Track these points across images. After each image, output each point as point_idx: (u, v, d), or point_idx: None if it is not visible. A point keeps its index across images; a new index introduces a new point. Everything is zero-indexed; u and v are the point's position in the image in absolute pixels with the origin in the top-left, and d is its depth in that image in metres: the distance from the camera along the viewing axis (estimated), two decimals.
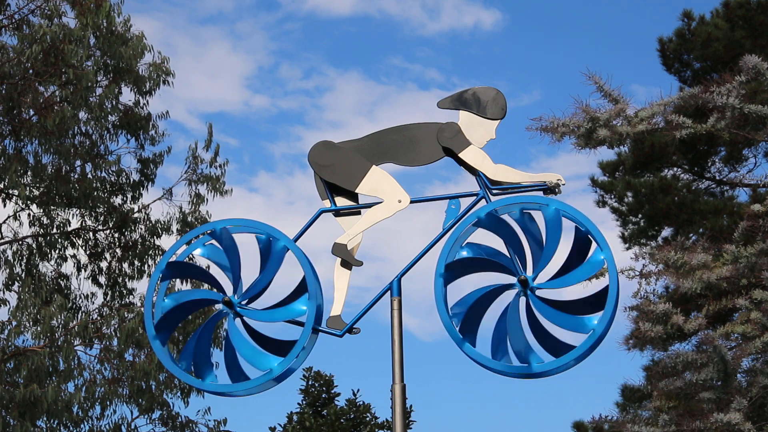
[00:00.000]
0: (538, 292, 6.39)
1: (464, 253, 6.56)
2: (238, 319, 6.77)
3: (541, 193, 6.61)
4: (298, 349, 6.54)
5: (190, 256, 7.11)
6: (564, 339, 6.38)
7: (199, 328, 6.86)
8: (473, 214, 6.55)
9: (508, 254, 6.47)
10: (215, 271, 7.07)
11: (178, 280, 15.75)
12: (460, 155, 6.75)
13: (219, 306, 6.82)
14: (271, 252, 6.72)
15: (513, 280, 6.39)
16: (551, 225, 6.36)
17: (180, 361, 6.76)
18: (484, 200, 6.69)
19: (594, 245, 6.37)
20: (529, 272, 6.40)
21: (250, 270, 6.83)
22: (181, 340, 16.14)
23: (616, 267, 6.33)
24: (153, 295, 6.84)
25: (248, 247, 6.84)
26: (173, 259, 6.98)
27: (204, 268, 7.47)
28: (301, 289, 6.75)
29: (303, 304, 6.64)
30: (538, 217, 6.51)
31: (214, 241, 6.92)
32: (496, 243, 6.57)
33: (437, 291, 6.40)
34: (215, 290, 6.93)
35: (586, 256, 6.40)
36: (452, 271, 6.46)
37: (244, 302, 6.75)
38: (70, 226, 18.07)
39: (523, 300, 6.40)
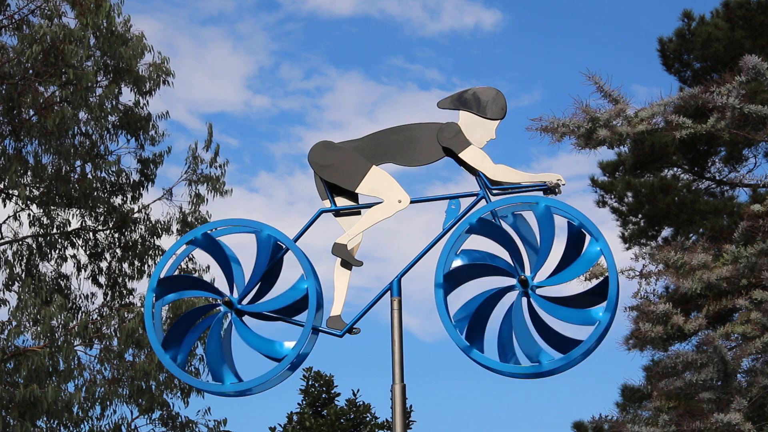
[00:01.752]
0: (539, 291, 6.39)
1: (459, 262, 6.54)
2: (239, 317, 6.78)
3: (540, 193, 6.61)
4: (307, 331, 6.54)
5: (190, 256, 7.12)
6: (569, 335, 6.39)
7: (206, 335, 6.86)
8: (465, 221, 6.55)
9: (504, 256, 6.47)
10: (214, 273, 7.08)
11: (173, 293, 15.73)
12: (460, 155, 6.75)
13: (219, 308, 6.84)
14: (257, 244, 6.74)
15: (513, 281, 6.40)
16: (543, 222, 6.37)
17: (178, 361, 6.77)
18: (484, 200, 6.69)
19: (588, 238, 6.37)
20: (528, 272, 6.40)
21: (247, 271, 6.84)
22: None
23: (612, 256, 6.33)
24: (151, 318, 6.80)
25: (248, 248, 6.87)
26: (165, 269, 6.95)
27: (196, 276, 7.47)
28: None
29: (302, 284, 6.65)
30: (530, 216, 6.52)
31: (197, 251, 6.94)
32: (491, 247, 6.58)
33: (438, 302, 6.39)
34: (212, 297, 6.94)
35: (581, 250, 6.40)
36: (451, 280, 6.46)
37: (243, 300, 6.75)
38: (70, 226, 18.08)
39: (525, 300, 6.40)
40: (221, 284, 6.94)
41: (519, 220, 6.54)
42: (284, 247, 6.77)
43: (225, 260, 6.80)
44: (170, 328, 6.79)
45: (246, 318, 6.82)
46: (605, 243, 6.32)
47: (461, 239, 6.56)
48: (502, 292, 6.42)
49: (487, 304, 6.39)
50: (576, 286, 6.67)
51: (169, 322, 14.32)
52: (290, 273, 6.80)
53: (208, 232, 6.89)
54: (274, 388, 6.73)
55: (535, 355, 6.31)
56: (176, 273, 7.16)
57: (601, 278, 6.38)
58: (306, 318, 6.60)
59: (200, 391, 16.17)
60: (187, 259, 16.30)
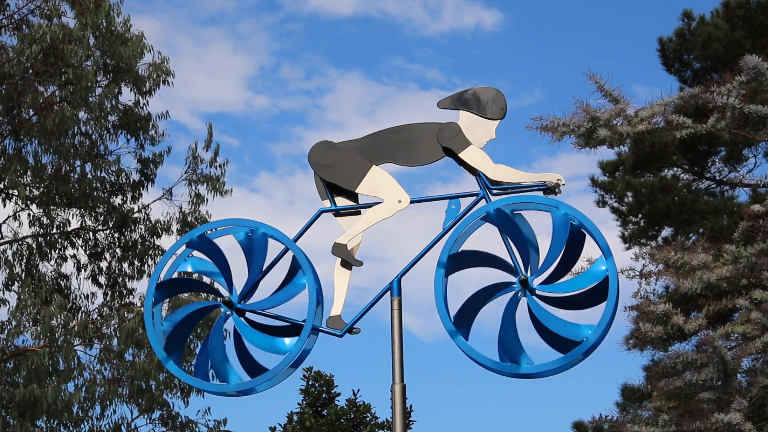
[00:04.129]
0: (537, 293, 6.39)
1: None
2: (239, 317, 6.78)
3: (541, 193, 6.61)
4: (308, 328, 6.54)
5: (178, 272, 7.11)
6: (567, 336, 6.36)
7: (208, 336, 6.85)
8: (482, 209, 6.53)
9: (506, 256, 6.46)
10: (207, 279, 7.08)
11: (172, 296, 15.76)
12: (460, 155, 6.75)
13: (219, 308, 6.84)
14: (252, 243, 6.73)
15: (513, 279, 6.39)
16: (558, 227, 6.35)
17: (196, 374, 6.77)
18: (484, 200, 6.68)
19: (597, 257, 6.35)
20: (530, 273, 6.39)
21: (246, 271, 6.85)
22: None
23: (617, 278, 6.29)
24: (151, 319, 6.81)
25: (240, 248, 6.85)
26: (161, 278, 6.96)
27: (194, 278, 7.47)
28: (294, 270, 6.75)
29: (301, 279, 6.66)
30: (529, 217, 6.52)
31: (195, 253, 6.92)
32: (492, 248, 6.58)
33: (437, 281, 6.39)
34: (212, 296, 6.94)
35: (579, 251, 6.39)
36: (455, 261, 6.45)
37: (243, 299, 6.75)
38: (70, 226, 18.08)
39: (523, 300, 6.39)
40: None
41: (518, 219, 6.53)
42: (284, 246, 6.77)
43: (223, 260, 6.80)
44: (168, 335, 6.77)
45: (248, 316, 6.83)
46: (613, 263, 6.28)
47: (475, 225, 6.55)
48: (499, 286, 6.41)
49: (481, 294, 6.39)
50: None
51: None
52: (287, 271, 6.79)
53: (206, 233, 6.88)
54: (273, 388, 6.73)
55: (514, 356, 6.30)
56: (175, 276, 7.15)
57: (601, 280, 6.34)
58: (306, 314, 6.60)
59: (200, 391, 16.17)
60: (175, 274, 16.25)
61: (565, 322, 6.32)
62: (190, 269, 6.98)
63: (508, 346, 6.33)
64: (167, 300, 7.13)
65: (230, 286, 6.80)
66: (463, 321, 6.40)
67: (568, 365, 6.28)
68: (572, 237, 6.38)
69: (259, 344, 6.69)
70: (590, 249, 6.55)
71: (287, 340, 6.66)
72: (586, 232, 6.38)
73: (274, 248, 6.80)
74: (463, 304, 6.40)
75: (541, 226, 6.50)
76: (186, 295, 15.11)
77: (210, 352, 6.78)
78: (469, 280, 6.66)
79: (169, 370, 6.76)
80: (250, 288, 6.77)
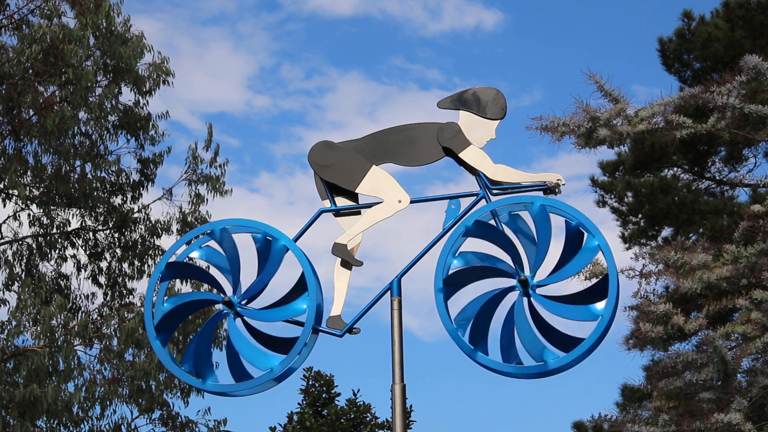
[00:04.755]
0: (539, 290, 6.39)
1: (457, 264, 6.53)
2: (238, 320, 6.76)
3: (540, 193, 6.61)
4: (299, 348, 6.54)
5: (189, 257, 7.11)
6: (571, 333, 6.39)
7: (200, 329, 6.85)
8: (461, 225, 6.53)
9: (503, 257, 6.46)
10: (215, 272, 7.06)
11: (177, 281, 15.78)
12: (460, 155, 6.75)
13: (219, 306, 6.83)
14: (270, 251, 6.72)
15: (513, 282, 6.39)
16: (539, 221, 6.36)
17: (183, 363, 6.76)
18: (484, 200, 6.68)
19: (586, 236, 6.37)
20: (527, 272, 6.39)
21: (249, 270, 6.84)
22: (181, 340, 16.14)
23: (611, 251, 6.32)
24: (153, 295, 6.84)
25: (247, 247, 6.84)
26: (173, 259, 6.98)
27: (204, 268, 7.45)
28: (300, 288, 6.73)
29: (303, 303, 6.64)
30: (527, 216, 6.52)
31: (212, 243, 6.91)
32: (490, 249, 6.57)
33: (439, 307, 6.38)
34: (215, 290, 6.93)
35: (580, 248, 6.40)
36: (450, 285, 6.45)
37: (243, 302, 6.74)
38: (70, 226, 18.08)
39: (525, 300, 6.39)
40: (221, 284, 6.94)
41: (518, 220, 6.53)
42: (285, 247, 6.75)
43: (236, 260, 6.76)
44: (164, 315, 6.76)
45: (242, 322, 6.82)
46: (603, 238, 6.32)
47: (458, 242, 6.55)
48: (502, 293, 6.41)
49: (488, 305, 6.38)
50: (576, 284, 6.66)
51: None
52: (290, 273, 6.80)
53: (226, 227, 6.85)
54: (273, 388, 6.72)
55: (540, 355, 6.30)
56: (186, 260, 7.16)
57: (601, 276, 6.36)
58: (300, 334, 6.57)
59: (200, 391, 16.16)
60: (187, 259, 16.29)
61: (573, 306, 6.32)
62: (196, 254, 6.95)
63: (531, 348, 6.33)
64: (167, 289, 7.07)
65: (236, 286, 6.78)
66: (478, 338, 6.37)
67: (592, 348, 6.25)
68: (570, 235, 6.38)
69: (246, 354, 6.66)
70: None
71: (275, 358, 6.61)
72: (567, 219, 6.37)
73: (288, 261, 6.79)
74: (474, 319, 6.37)
75: (554, 223, 6.49)
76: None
77: (195, 347, 6.76)
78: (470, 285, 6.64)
79: (155, 350, 6.74)
80: (254, 294, 6.75)
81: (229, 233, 6.81)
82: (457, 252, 6.55)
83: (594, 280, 9.65)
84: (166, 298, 6.90)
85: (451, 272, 6.47)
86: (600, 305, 6.27)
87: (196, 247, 6.97)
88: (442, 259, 6.47)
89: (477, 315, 6.36)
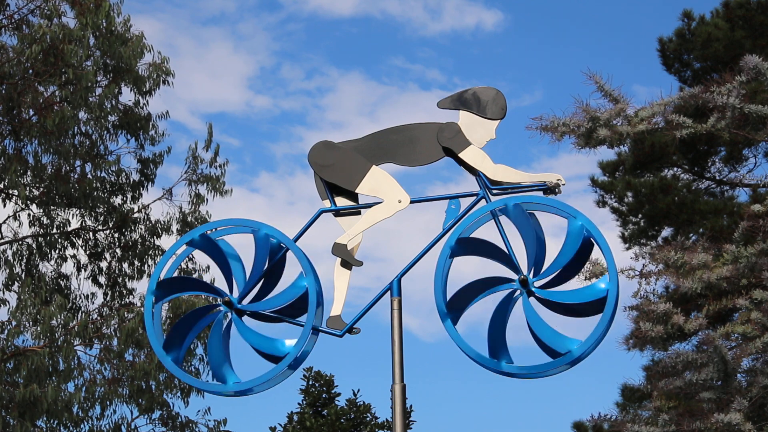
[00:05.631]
0: (535, 295, 6.38)
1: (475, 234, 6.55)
2: (239, 317, 6.77)
3: (541, 193, 6.61)
4: (308, 329, 6.54)
5: (190, 256, 7.13)
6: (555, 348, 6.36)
7: (209, 334, 6.84)
8: (501, 201, 6.52)
9: (511, 253, 6.45)
10: (214, 273, 7.07)
11: (171, 296, 15.76)
12: (460, 155, 6.75)
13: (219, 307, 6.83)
14: (255, 243, 6.74)
15: (514, 276, 6.38)
16: (572, 239, 6.33)
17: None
18: (484, 200, 6.68)
19: (568, 220, 6.35)
20: (525, 271, 6.38)
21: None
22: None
23: (616, 300, 6.28)
24: (151, 318, 6.80)
25: (248, 248, 6.86)
26: (166, 268, 6.96)
27: (194, 278, 7.46)
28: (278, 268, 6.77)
29: (302, 281, 6.65)
30: (543, 219, 6.52)
31: (228, 238, 6.93)
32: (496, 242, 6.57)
33: (451, 334, 6.35)
34: (212, 297, 6.94)
35: (585, 261, 6.40)
36: (462, 245, 6.44)
37: (243, 299, 6.75)
38: (70, 226, 18.08)
39: (532, 299, 6.38)
40: (222, 284, 6.94)
41: (533, 219, 6.52)
42: (284, 246, 6.77)
43: (224, 260, 6.79)
44: (171, 330, 6.79)
45: (246, 317, 6.82)
46: (615, 285, 6.24)
47: (447, 264, 6.50)
48: (498, 280, 6.39)
49: (480, 284, 6.37)
50: (575, 285, 6.63)
51: (169, 322, 14.33)
52: (291, 272, 6.80)
53: (207, 232, 6.87)
54: (274, 387, 6.73)
55: (563, 346, 6.25)
56: (175, 275, 7.15)
57: (600, 297, 6.32)
58: (306, 316, 6.60)
59: (200, 391, 16.18)
60: (187, 259, 16.33)
61: (554, 332, 6.30)
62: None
63: (494, 342, 6.33)
64: (167, 300, 7.08)
65: (230, 286, 6.79)
66: (455, 305, 6.37)
67: (551, 371, 6.28)
68: (581, 247, 6.38)
69: (259, 345, 6.68)
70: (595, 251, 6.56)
71: (287, 342, 6.65)
72: (598, 246, 6.36)
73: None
74: (459, 289, 6.38)
75: (546, 225, 6.50)
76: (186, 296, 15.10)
77: (209, 353, 6.78)
78: (470, 271, 6.66)
79: (167, 367, 6.75)
80: (250, 288, 6.76)
81: (209, 237, 6.82)
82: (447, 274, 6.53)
83: (594, 280, 9.65)
84: (165, 317, 6.90)
85: (451, 296, 6.44)
86: (602, 283, 6.27)
87: (181, 260, 7.00)
88: (438, 281, 6.44)
89: (464, 287, 6.36)
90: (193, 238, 6.87)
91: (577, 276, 6.60)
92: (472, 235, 6.58)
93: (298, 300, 6.68)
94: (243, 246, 6.87)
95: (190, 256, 16.04)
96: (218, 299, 6.77)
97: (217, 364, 6.70)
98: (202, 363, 16.71)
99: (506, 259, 6.41)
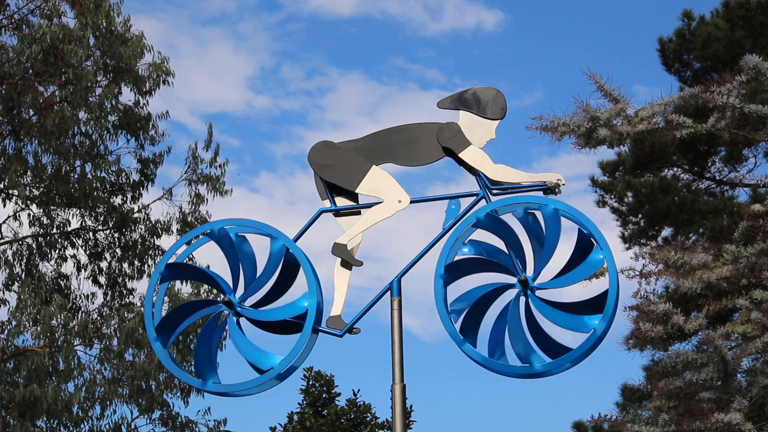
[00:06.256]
0: (538, 293, 6.38)
1: (465, 250, 6.56)
2: (236, 319, 6.76)
3: (541, 193, 6.61)
4: (300, 347, 6.53)
5: (190, 256, 7.13)
6: (561, 341, 6.38)
7: (200, 330, 6.85)
8: (472, 215, 6.54)
9: (508, 254, 6.46)
10: (216, 271, 7.06)
11: (177, 281, 15.79)
12: (460, 155, 6.75)
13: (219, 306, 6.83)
14: (269, 252, 6.72)
15: (513, 280, 6.39)
16: (549, 224, 6.36)
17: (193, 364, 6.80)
18: (484, 200, 6.68)
19: (594, 246, 6.36)
20: (530, 272, 6.39)
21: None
22: (181, 340, 16.15)
23: (615, 266, 6.32)
24: (153, 295, 6.84)
25: (258, 248, 6.85)
26: (173, 260, 6.98)
27: (203, 268, 7.45)
28: (287, 276, 6.74)
29: (304, 301, 6.63)
30: (540, 216, 6.50)
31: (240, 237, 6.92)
32: (498, 241, 6.57)
33: (437, 292, 6.39)
34: (214, 292, 6.95)
35: (586, 257, 6.39)
36: (452, 272, 6.45)
37: (243, 302, 6.74)
38: (70, 226, 18.08)
39: (523, 300, 6.39)
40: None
41: (531, 218, 6.52)
42: (298, 262, 6.73)
43: (236, 258, 6.77)
44: (166, 314, 6.78)
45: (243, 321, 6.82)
46: (609, 252, 6.29)
47: (467, 233, 6.55)
48: (501, 289, 6.41)
49: (485, 299, 6.39)
50: (576, 289, 6.64)
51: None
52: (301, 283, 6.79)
53: (226, 227, 6.84)
54: (274, 388, 6.72)
55: (527, 356, 6.30)
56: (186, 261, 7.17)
57: (602, 291, 6.33)
58: (300, 334, 6.56)
59: (200, 391, 16.16)
60: (187, 259, 16.30)
61: (569, 315, 6.30)
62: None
63: (519, 348, 6.32)
64: (166, 299, 7.10)
65: (236, 286, 6.78)
66: (468, 329, 6.38)
67: (579, 359, 6.25)
68: (580, 244, 6.37)
69: (247, 354, 6.66)
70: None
71: (276, 359, 6.59)
72: (580, 228, 6.36)
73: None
74: (468, 310, 6.38)
75: (565, 225, 6.49)
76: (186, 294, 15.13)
77: (196, 348, 6.76)
78: (469, 279, 6.64)
79: (155, 350, 6.75)
80: (253, 293, 6.75)
81: (228, 233, 6.79)
82: (467, 240, 6.56)
83: (595, 281, 9.65)
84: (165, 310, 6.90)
85: (454, 260, 6.47)
86: (595, 319, 6.26)
87: (198, 247, 6.97)
88: (448, 246, 6.47)
89: (473, 306, 6.37)
90: (213, 229, 6.83)
91: (574, 284, 6.59)
92: (456, 258, 6.55)
93: (295, 318, 6.67)
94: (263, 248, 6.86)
95: (191, 255, 16.05)
96: (219, 296, 6.76)
97: (199, 360, 6.68)
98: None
99: (499, 267, 6.43)
